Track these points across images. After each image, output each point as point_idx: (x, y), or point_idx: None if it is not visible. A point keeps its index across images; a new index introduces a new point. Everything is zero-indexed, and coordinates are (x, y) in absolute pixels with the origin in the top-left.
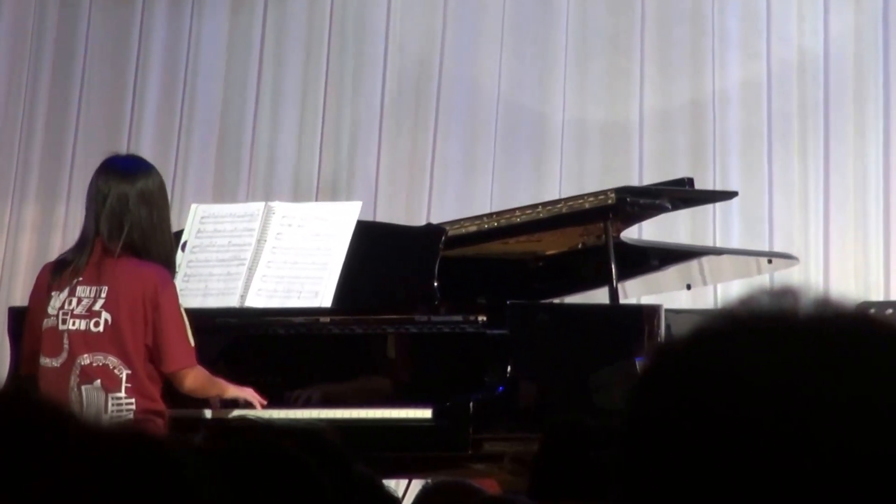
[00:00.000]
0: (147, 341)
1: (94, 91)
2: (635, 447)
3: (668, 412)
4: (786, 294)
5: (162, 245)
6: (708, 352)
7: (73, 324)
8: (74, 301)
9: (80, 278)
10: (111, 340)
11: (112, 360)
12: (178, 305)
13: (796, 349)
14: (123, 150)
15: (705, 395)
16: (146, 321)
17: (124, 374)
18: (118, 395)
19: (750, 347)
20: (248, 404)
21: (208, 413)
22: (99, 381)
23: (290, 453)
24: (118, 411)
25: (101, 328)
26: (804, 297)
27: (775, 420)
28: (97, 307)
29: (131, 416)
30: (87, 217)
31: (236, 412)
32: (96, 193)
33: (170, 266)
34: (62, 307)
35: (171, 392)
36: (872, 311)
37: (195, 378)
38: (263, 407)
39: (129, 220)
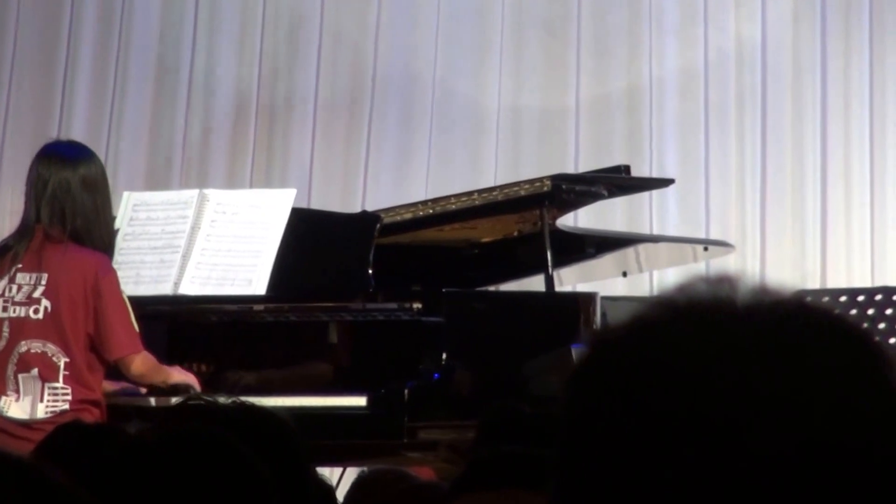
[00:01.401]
0: (88, 329)
1: (25, 76)
2: (572, 438)
3: (606, 403)
4: (723, 282)
5: (104, 231)
6: (646, 341)
7: (14, 311)
8: (14, 288)
9: (20, 265)
10: (50, 328)
11: (51, 348)
12: (119, 292)
13: (735, 339)
14: (54, 137)
15: (643, 385)
16: (87, 309)
17: (62, 361)
18: (55, 384)
19: (688, 337)
20: (189, 388)
21: (152, 401)
22: (36, 369)
23: (229, 442)
24: (54, 400)
25: (40, 315)
26: (741, 285)
27: (714, 411)
28: (37, 294)
29: (66, 406)
30: (27, 203)
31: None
32: (37, 179)
33: (110, 252)
34: (2, 294)
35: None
36: (809, 299)
37: (142, 363)
38: None
39: (72, 207)
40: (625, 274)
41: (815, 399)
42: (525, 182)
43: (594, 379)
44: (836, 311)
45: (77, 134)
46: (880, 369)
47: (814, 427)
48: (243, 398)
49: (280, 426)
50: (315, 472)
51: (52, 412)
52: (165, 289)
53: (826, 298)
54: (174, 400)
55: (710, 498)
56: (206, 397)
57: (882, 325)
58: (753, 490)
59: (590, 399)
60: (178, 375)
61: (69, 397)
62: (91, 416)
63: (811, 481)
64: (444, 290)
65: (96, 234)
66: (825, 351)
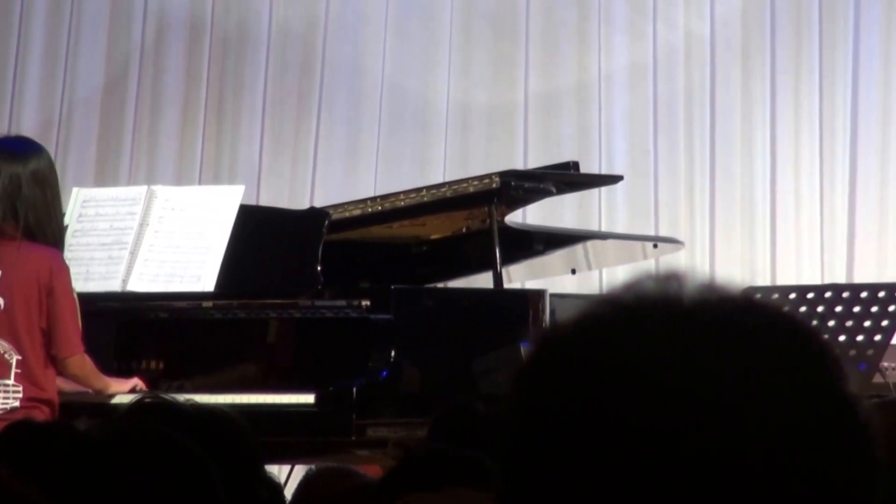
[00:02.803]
0: (42, 325)
1: None
2: (518, 436)
3: (552, 401)
4: (670, 279)
5: (55, 225)
6: (593, 340)
7: None
8: None
9: None
10: (4, 325)
11: (3, 345)
12: (71, 290)
13: (681, 336)
14: (4, 132)
15: (589, 383)
16: (41, 306)
17: (14, 359)
18: (6, 382)
19: (634, 335)
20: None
21: (105, 399)
22: None
23: (178, 440)
24: (4, 398)
25: None
26: (689, 282)
27: (659, 409)
28: None
29: (17, 403)
30: None
31: (120, 397)
32: None
33: (61, 246)
34: None
35: None
36: (758, 296)
37: (82, 365)
38: None
39: (23, 202)
40: (574, 271)
41: (759, 398)
42: (474, 179)
43: (541, 377)
44: (785, 309)
45: (27, 128)
46: (826, 367)
47: (758, 426)
48: (194, 396)
49: (231, 425)
50: (264, 469)
51: (2, 409)
52: (114, 286)
53: (776, 295)
54: (120, 398)
55: (655, 497)
56: (161, 395)
57: (831, 323)
58: (697, 489)
59: (536, 397)
60: (117, 386)
61: (20, 395)
62: (42, 414)
63: (755, 480)
64: (392, 287)
65: (48, 228)
66: (771, 349)
